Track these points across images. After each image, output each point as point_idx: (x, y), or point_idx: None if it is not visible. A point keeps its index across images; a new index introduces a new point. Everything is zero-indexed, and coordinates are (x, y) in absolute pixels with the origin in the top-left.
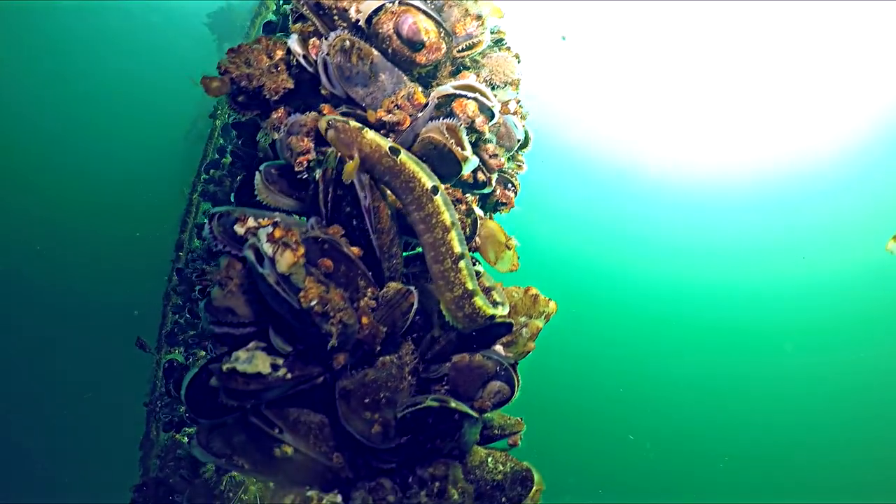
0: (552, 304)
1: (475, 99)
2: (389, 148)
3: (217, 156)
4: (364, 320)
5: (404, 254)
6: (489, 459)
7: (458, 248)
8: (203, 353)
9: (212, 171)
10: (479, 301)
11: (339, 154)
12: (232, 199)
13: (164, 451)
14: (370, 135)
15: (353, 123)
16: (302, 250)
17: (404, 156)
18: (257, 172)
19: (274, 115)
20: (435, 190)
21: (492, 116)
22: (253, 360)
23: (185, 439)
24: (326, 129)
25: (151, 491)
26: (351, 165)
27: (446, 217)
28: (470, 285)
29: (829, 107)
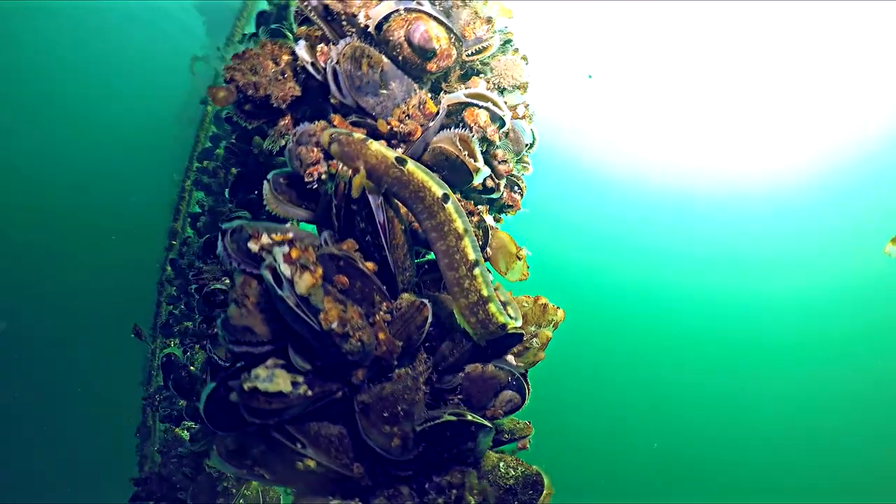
0: (560, 313)
1: (486, 108)
2: (396, 158)
3: (210, 144)
4: (381, 336)
5: (416, 260)
6: (501, 464)
7: (472, 255)
8: (200, 350)
9: (205, 161)
10: (493, 307)
11: (352, 165)
12: (227, 195)
13: (165, 446)
14: (375, 146)
15: (357, 135)
16: (320, 271)
17: (411, 165)
18: (265, 182)
19: (281, 123)
20: (446, 198)
21: (502, 125)
22: (274, 379)
23: (185, 434)
24: (330, 143)
25: (155, 486)
26: (358, 179)
27: (459, 225)
28: (485, 292)
29: (832, 117)
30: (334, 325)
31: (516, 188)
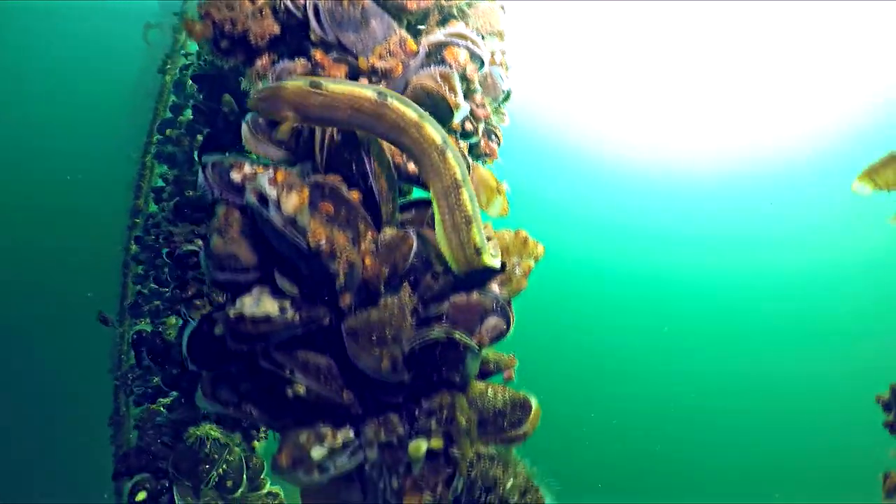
0: (540, 248)
1: (466, 47)
2: (310, 83)
3: (171, 114)
4: (367, 261)
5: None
6: (488, 390)
7: (438, 139)
8: (174, 319)
9: (167, 130)
10: (465, 194)
11: (280, 115)
12: (196, 157)
13: (141, 421)
14: (290, 84)
15: (270, 83)
16: (306, 191)
17: (329, 84)
18: (244, 123)
19: (258, 63)
20: (382, 95)
21: (482, 64)
22: (260, 304)
23: (162, 409)
24: (256, 107)
25: (133, 460)
26: (287, 125)
27: (411, 114)
28: (458, 175)
29: (823, 91)
30: (322, 244)
31: (493, 137)
